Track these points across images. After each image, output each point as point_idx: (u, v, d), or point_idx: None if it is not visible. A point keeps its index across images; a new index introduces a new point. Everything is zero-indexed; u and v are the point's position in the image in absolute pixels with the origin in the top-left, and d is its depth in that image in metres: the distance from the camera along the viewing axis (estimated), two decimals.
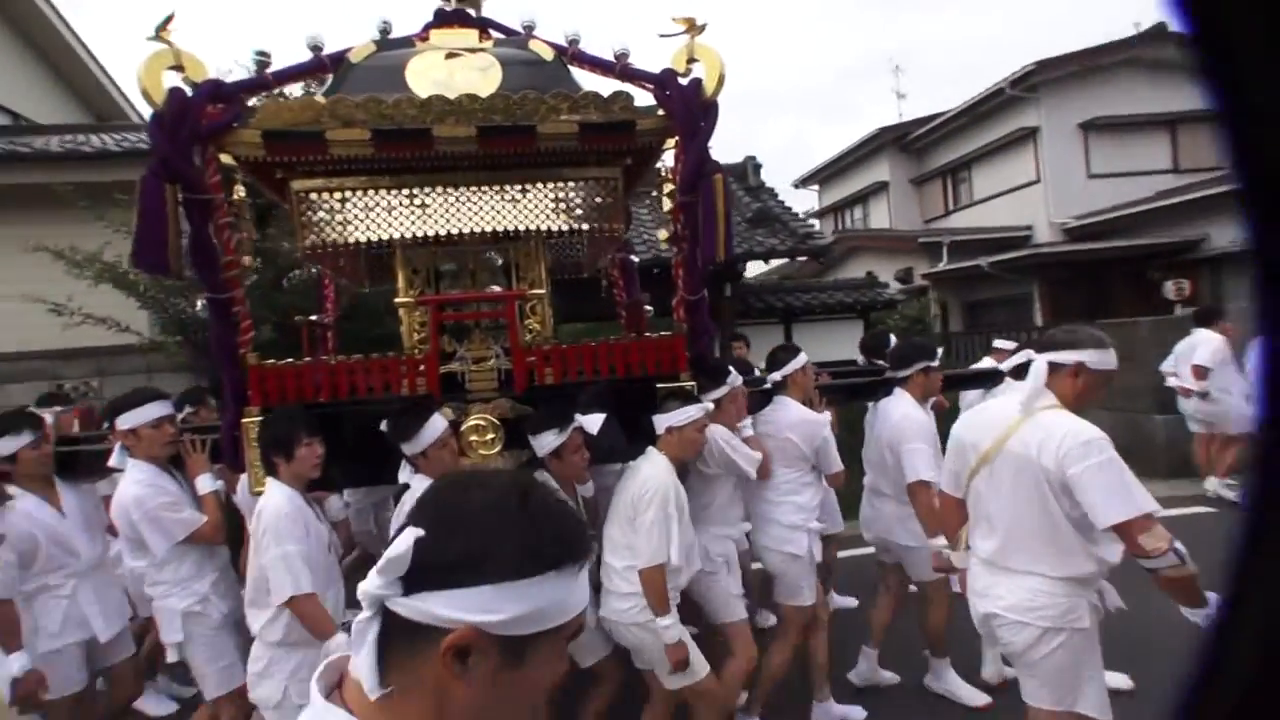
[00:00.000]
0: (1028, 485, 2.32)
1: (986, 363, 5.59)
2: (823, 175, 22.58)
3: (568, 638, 0.83)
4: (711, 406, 3.09)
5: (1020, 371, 2.79)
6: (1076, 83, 14.22)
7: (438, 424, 2.78)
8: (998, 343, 5.87)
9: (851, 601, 4.76)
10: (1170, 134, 14.48)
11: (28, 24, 11.08)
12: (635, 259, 4.55)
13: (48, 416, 3.28)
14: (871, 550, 4.05)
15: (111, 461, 3.03)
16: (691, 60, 2.95)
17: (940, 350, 3.77)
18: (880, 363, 4.40)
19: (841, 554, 4.72)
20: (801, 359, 3.54)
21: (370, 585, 0.76)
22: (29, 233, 6.68)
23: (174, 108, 2.71)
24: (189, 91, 2.76)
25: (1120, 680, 3.37)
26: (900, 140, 18.82)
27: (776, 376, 3.52)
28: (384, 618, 0.78)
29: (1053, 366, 2.39)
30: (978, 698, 3.65)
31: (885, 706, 3.72)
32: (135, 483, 2.99)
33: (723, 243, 2.88)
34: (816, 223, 22.81)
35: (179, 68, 2.78)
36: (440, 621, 0.75)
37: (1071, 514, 2.27)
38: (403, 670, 0.77)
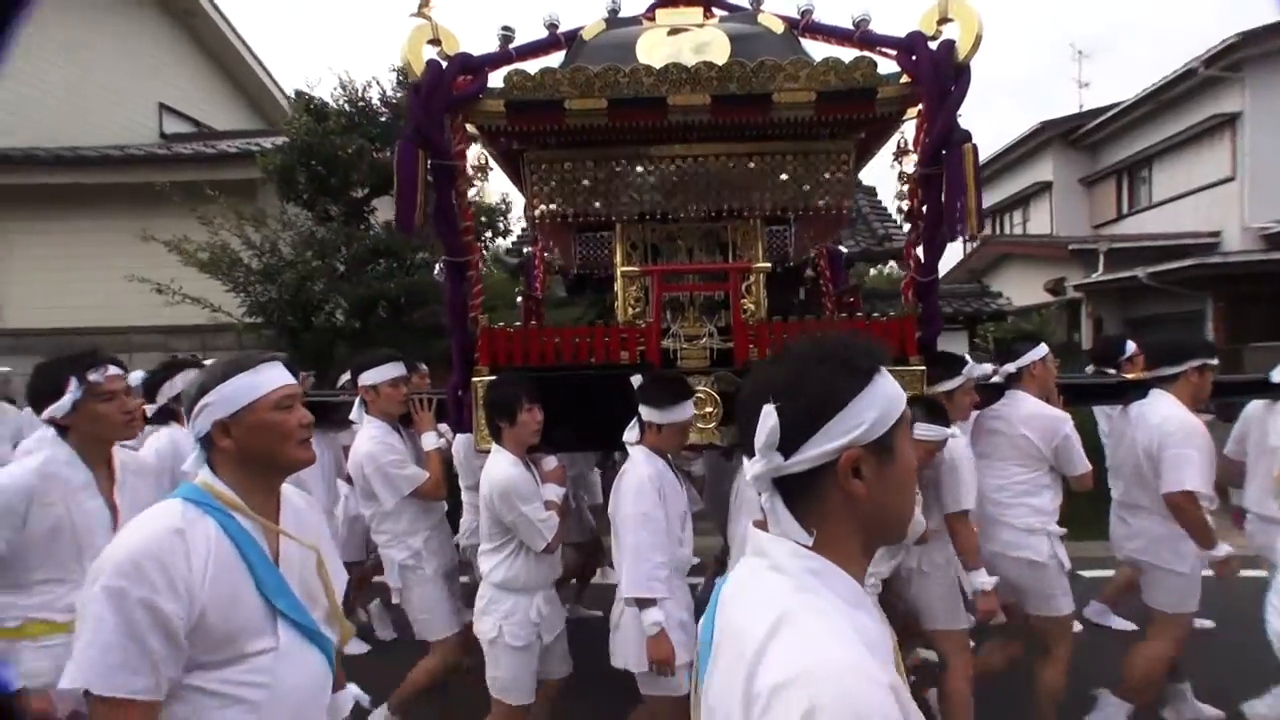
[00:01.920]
0: None
1: None
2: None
3: (909, 424, 1.01)
4: (955, 433, 2.89)
5: None
6: None
7: (688, 410, 2.77)
8: None
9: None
10: None
11: (207, 38, 12.40)
12: (844, 250, 4.37)
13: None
14: None
15: (351, 415, 3.22)
16: (943, 20, 2.79)
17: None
18: (1111, 372, 4.03)
19: None
20: (1042, 349, 3.25)
21: (756, 469, 0.97)
22: (135, 225, 7.66)
23: (430, 79, 2.84)
24: (443, 64, 2.89)
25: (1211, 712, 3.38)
26: (1069, 135, 17.02)
27: (1011, 368, 3.25)
28: (779, 487, 0.97)
29: None
30: None
31: None
32: (369, 439, 3.16)
33: (975, 216, 2.69)
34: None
35: (436, 41, 2.91)
36: (825, 457, 0.93)
37: None
38: (814, 512, 0.96)
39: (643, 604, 2.57)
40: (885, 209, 10.53)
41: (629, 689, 2.77)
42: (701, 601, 1.67)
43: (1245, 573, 4.44)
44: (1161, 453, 3.04)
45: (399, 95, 8.14)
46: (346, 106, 7.93)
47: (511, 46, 3.09)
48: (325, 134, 7.39)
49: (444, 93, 2.86)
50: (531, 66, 3.02)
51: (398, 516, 3.23)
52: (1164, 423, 3.08)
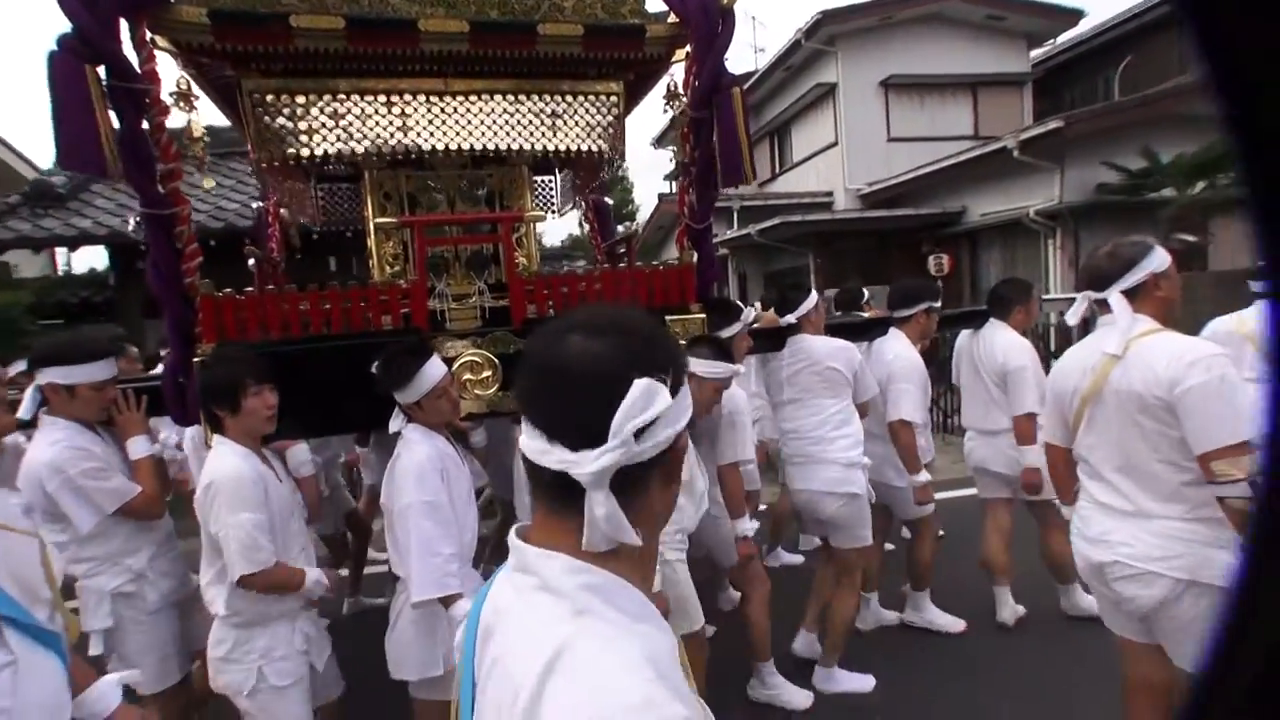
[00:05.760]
0: (1136, 418, 2.07)
1: None
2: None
3: None
4: (742, 370, 2.93)
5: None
6: (877, 38, 13.27)
7: (436, 369, 2.40)
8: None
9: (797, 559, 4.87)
10: (972, 97, 13.66)
11: None
12: (610, 201, 4.23)
13: None
14: None
15: (21, 412, 2.45)
16: None
17: None
18: (859, 314, 4.44)
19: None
20: (814, 298, 3.42)
21: (606, 461, 0.75)
22: None
23: None
24: None
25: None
26: None
27: (792, 318, 3.38)
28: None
29: (1129, 294, 2.16)
30: (956, 625, 3.75)
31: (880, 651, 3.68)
32: (52, 444, 2.43)
33: (748, 161, 2.70)
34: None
35: None
36: (670, 440, 0.81)
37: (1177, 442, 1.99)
38: (637, 511, 0.81)
39: (446, 602, 2.27)
40: None
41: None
42: None
43: (961, 492, 5.17)
44: (888, 386, 3.42)
45: None
46: None
47: None
48: None
49: None
50: None
51: (108, 536, 2.55)
52: (894, 360, 3.46)
